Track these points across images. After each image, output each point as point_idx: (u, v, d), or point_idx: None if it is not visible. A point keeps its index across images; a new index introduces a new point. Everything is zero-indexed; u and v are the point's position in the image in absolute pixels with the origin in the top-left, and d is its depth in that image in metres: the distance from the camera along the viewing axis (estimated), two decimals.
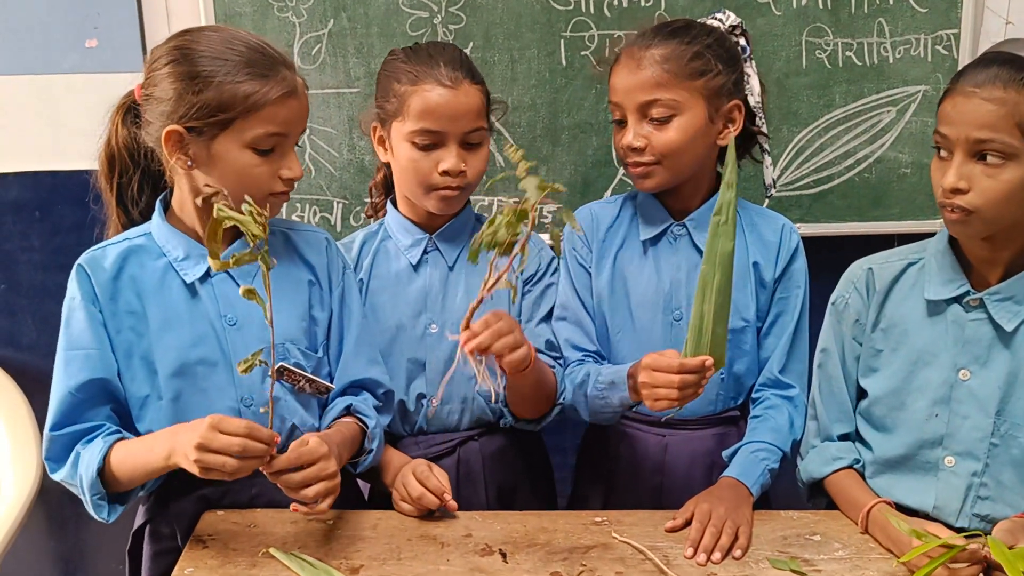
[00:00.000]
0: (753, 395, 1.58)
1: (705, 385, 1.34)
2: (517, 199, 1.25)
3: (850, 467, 1.41)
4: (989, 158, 1.22)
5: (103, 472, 1.27)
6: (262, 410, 1.27)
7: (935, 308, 1.34)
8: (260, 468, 1.21)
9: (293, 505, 1.25)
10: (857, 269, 1.44)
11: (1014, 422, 1.29)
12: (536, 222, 1.21)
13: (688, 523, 1.35)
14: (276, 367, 1.34)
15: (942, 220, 1.33)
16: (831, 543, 1.32)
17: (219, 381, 1.34)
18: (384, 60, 1.56)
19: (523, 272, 1.59)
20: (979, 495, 1.31)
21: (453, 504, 1.37)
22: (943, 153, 1.26)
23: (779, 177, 1.99)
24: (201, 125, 1.27)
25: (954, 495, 1.32)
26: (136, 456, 1.27)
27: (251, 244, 1.15)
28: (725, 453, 1.51)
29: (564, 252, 1.60)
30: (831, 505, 1.43)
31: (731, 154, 1.35)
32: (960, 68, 1.33)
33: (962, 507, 1.32)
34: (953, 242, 1.34)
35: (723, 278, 1.33)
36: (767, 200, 1.97)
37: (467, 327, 1.28)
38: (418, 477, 1.39)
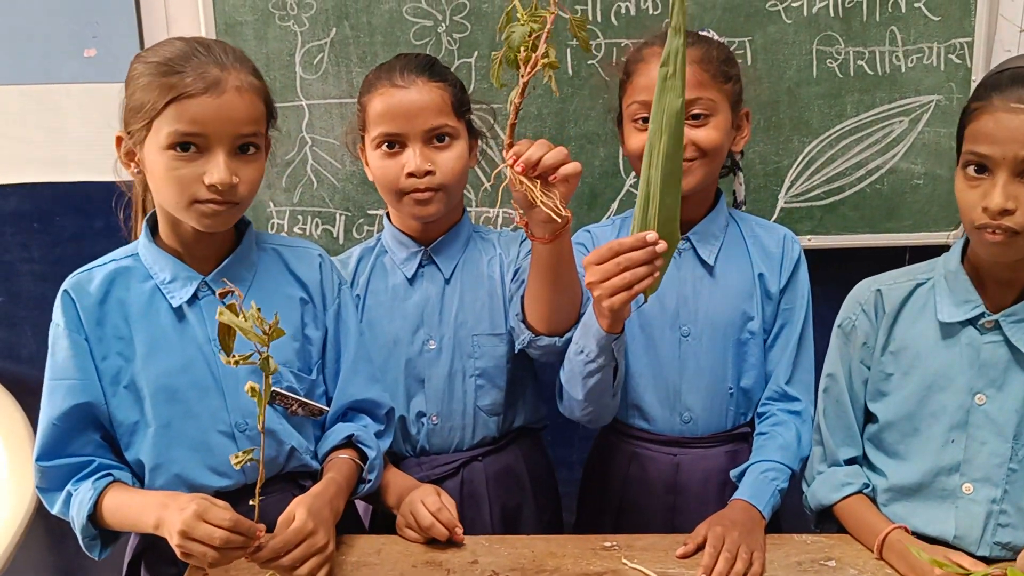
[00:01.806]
0: (759, 409, 1.55)
1: (661, 266, 1.21)
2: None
3: (860, 492, 1.38)
4: None
5: (94, 515, 1.25)
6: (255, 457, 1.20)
7: (948, 331, 1.31)
8: (246, 558, 1.17)
9: None
10: (864, 290, 1.40)
11: None
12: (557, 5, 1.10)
13: (700, 548, 1.32)
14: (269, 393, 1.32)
15: (961, 237, 1.31)
16: (846, 569, 1.29)
17: (211, 406, 1.30)
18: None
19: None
20: (999, 523, 1.28)
21: (461, 536, 1.34)
22: (973, 171, 1.22)
23: (790, 188, 1.96)
24: (135, 128, 1.24)
25: (974, 523, 1.29)
26: (127, 512, 1.24)
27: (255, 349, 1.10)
28: (733, 473, 1.48)
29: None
30: (840, 530, 1.40)
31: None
32: (982, 83, 1.27)
33: (983, 535, 1.28)
34: (965, 262, 1.31)
35: (672, 141, 1.19)
36: (777, 214, 1.96)
37: (510, 148, 1.18)
38: (429, 508, 1.35)
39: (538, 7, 1.11)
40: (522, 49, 1.13)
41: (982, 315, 1.28)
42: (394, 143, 1.46)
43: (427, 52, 1.86)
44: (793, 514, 1.52)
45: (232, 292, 1.09)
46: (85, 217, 2.04)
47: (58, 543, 2.23)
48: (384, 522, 1.45)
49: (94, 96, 1.96)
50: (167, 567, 1.33)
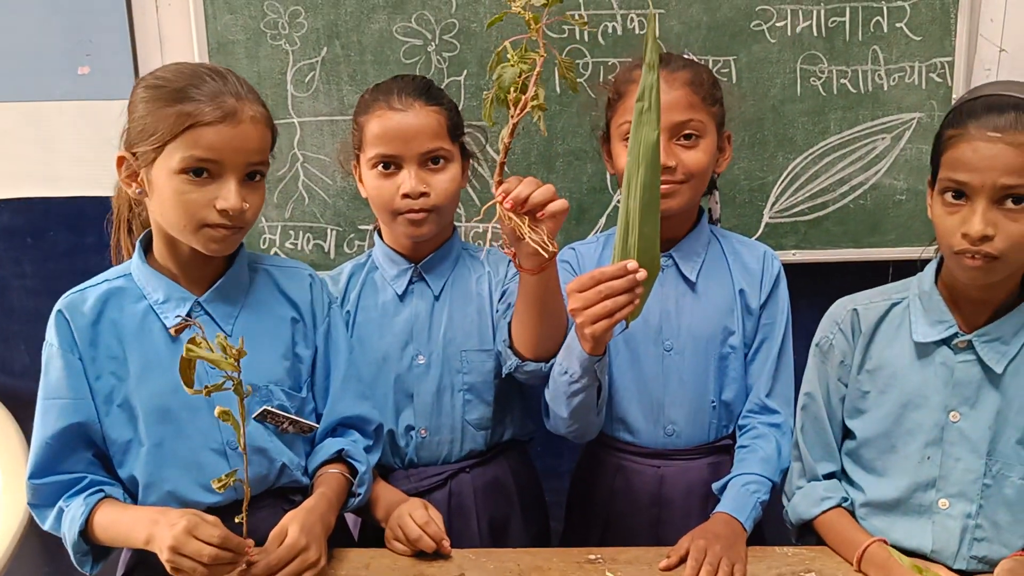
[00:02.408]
0: (740, 422, 1.58)
1: (641, 294, 1.24)
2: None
3: (838, 506, 1.40)
4: (1013, 202, 1.20)
5: (85, 531, 1.27)
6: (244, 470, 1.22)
7: (923, 350, 1.34)
8: (237, 575, 1.19)
9: None
10: (840, 310, 1.42)
11: (1005, 462, 1.28)
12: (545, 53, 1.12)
13: (683, 560, 1.34)
14: (259, 412, 1.34)
15: (935, 256, 1.34)
16: None
17: (202, 426, 1.32)
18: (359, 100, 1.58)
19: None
20: (975, 537, 1.30)
21: (448, 549, 1.37)
22: (951, 197, 1.24)
23: (775, 204, 1.98)
24: (142, 150, 1.26)
25: (950, 538, 1.31)
26: (118, 528, 1.26)
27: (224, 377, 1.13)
28: (715, 486, 1.51)
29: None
30: (820, 543, 1.42)
31: (651, 27, 1.23)
32: (956, 110, 1.29)
33: (959, 549, 1.31)
34: (938, 282, 1.34)
35: (649, 171, 1.23)
36: (762, 229, 1.98)
37: (499, 185, 1.21)
38: (417, 520, 1.37)
39: (527, 49, 1.14)
40: (512, 89, 1.16)
41: (956, 335, 1.31)
42: (390, 164, 1.49)
43: (416, 71, 1.89)
44: (776, 526, 1.54)
45: (191, 326, 1.11)
46: (77, 232, 2.06)
47: (52, 557, 2.24)
48: (374, 534, 1.47)
49: (87, 113, 1.98)
50: None
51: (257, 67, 1.91)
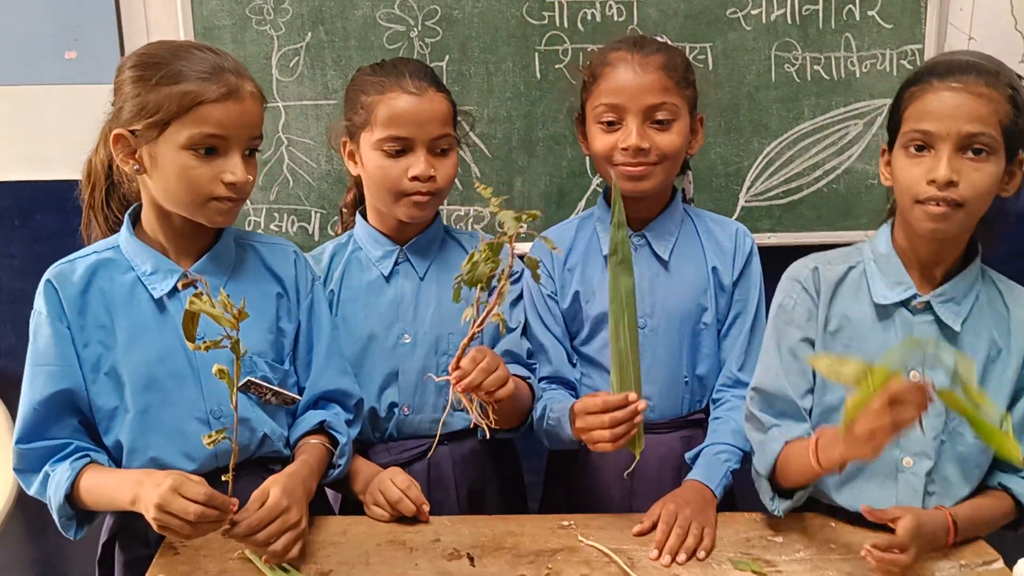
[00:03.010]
0: (714, 396, 1.62)
1: (639, 422, 1.37)
2: (492, 236, 1.30)
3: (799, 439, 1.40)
4: (973, 153, 1.25)
5: (71, 495, 1.29)
6: (232, 440, 1.25)
7: (883, 312, 1.38)
8: (221, 533, 1.22)
9: (264, 557, 1.26)
10: (801, 269, 1.45)
11: (961, 420, 1.31)
12: (513, 256, 1.26)
13: (655, 526, 1.38)
14: (243, 382, 1.37)
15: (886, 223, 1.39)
16: (793, 544, 1.35)
17: (188, 395, 1.35)
18: (352, 77, 1.60)
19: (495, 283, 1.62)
20: (929, 491, 1.35)
21: (427, 515, 1.41)
22: (915, 149, 1.29)
23: (750, 188, 2.03)
24: (143, 127, 1.29)
25: (913, 495, 1.35)
26: (103, 490, 1.29)
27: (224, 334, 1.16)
28: (688, 455, 1.55)
29: (528, 285, 1.64)
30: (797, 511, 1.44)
31: (616, 194, 1.40)
32: (918, 72, 1.33)
33: (922, 505, 1.35)
34: (894, 246, 1.38)
35: (631, 315, 1.40)
36: (738, 213, 2.03)
37: (457, 366, 1.31)
38: (398, 485, 1.41)
39: (497, 246, 1.25)
40: (479, 286, 1.26)
41: (914, 296, 1.36)
42: (400, 147, 1.51)
43: (400, 56, 1.93)
44: (748, 499, 1.57)
45: (198, 281, 1.14)
46: (64, 215, 2.06)
47: (37, 535, 2.27)
48: (353, 510, 1.50)
49: (74, 97, 2.00)
50: (141, 548, 1.38)
51: (243, 52, 1.94)
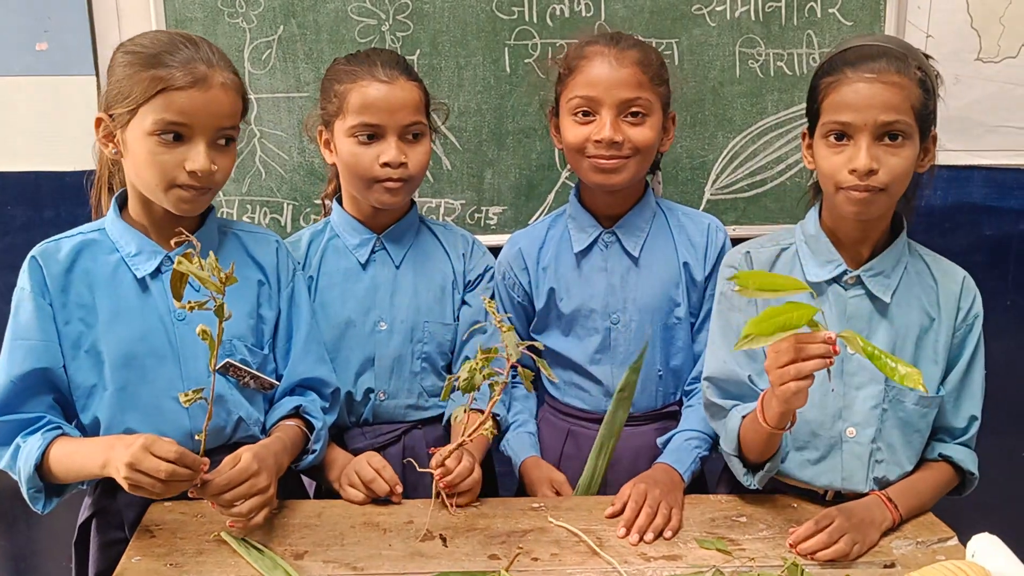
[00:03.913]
0: (686, 387, 1.66)
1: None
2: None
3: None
4: (889, 139, 1.32)
5: (41, 467, 1.30)
6: (207, 403, 1.28)
7: (816, 289, 1.43)
8: (190, 492, 1.24)
9: (229, 521, 1.29)
10: (735, 255, 1.51)
11: (900, 387, 1.37)
12: (508, 381, 1.36)
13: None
14: (222, 364, 1.39)
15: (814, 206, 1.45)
16: (756, 524, 1.39)
17: (167, 374, 1.37)
18: (328, 68, 1.63)
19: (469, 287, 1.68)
20: (876, 459, 1.41)
21: (400, 496, 1.43)
22: (834, 139, 1.34)
23: (715, 181, 2.07)
24: (119, 111, 1.32)
25: (859, 464, 1.41)
26: (73, 458, 1.30)
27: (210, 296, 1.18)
28: (660, 440, 1.59)
29: (497, 286, 1.69)
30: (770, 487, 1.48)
31: (644, 351, 1.51)
32: (829, 61, 1.39)
33: (867, 474, 1.41)
34: (821, 225, 1.44)
35: (615, 442, 1.53)
36: (703, 205, 2.07)
37: (442, 464, 1.37)
38: (374, 465, 1.44)
39: (492, 356, 1.31)
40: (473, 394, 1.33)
41: (845, 272, 1.41)
42: (372, 133, 1.53)
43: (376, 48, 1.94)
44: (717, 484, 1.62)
45: (189, 241, 1.16)
46: (35, 207, 2.08)
47: (9, 527, 2.26)
48: (328, 498, 1.52)
49: (45, 89, 1.99)
50: (116, 531, 1.39)
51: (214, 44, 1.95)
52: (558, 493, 1.55)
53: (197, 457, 1.22)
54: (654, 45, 1.96)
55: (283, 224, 2.05)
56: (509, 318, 1.66)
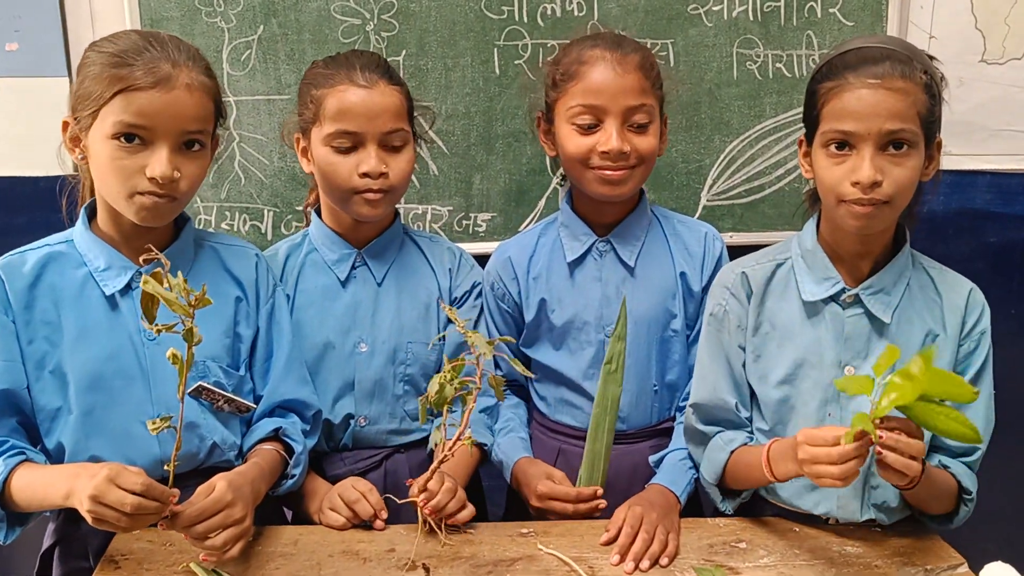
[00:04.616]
0: (681, 403, 1.59)
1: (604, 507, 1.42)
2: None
3: (744, 445, 1.40)
4: (894, 148, 1.24)
5: (2, 495, 1.23)
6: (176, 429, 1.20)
7: (813, 309, 1.36)
8: (159, 525, 1.16)
9: (202, 555, 1.21)
10: (729, 275, 1.44)
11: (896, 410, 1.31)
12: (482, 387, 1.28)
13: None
14: (195, 387, 1.32)
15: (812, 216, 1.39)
16: (757, 550, 1.33)
17: (136, 397, 1.30)
18: (305, 71, 1.55)
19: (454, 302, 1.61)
20: (871, 485, 1.34)
21: (383, 522, 1.36)
22: (835, 148, 1.27)
23: (712, 186, 2.01)
24: (82, 115, 1.25)
25: (855, 491, 1.34)
26: (36, 487, 1.22)
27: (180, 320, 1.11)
28: (652, 459, 1.52)
29: (486, 297, 1.63)
30: (743, 509, 1.43)
31: (623, 311, 1.43)
32: (829, 64, 1.31)
33: (862, 500, 1.34)
34: (819, 239, 1.37)
35: (612, 419, 1.45)
36: (699, 212, 2.00)
37: (424, 488, 1.30)
38: (359, 489, 1.37)
39: (460, 367, 1.27)
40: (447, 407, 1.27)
41: (843, 290, 1.34)
42: (350, 142, 1.45)
43: (355, 49, 1.87)
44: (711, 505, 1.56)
45: (158, 259, 1.09)
46: (7, 212, 2.01)
47: None
48: (306, 524, 1.45)
49: (16, 90, 1.92)
50: (80, 560, 1.32)
51: (192, 44, 1.87)
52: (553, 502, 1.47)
53: (166, 489, 1.15)
54: (648, 46, 1.92)
55: (263, 232, 1.98)
56: (498, 329, 1.60)
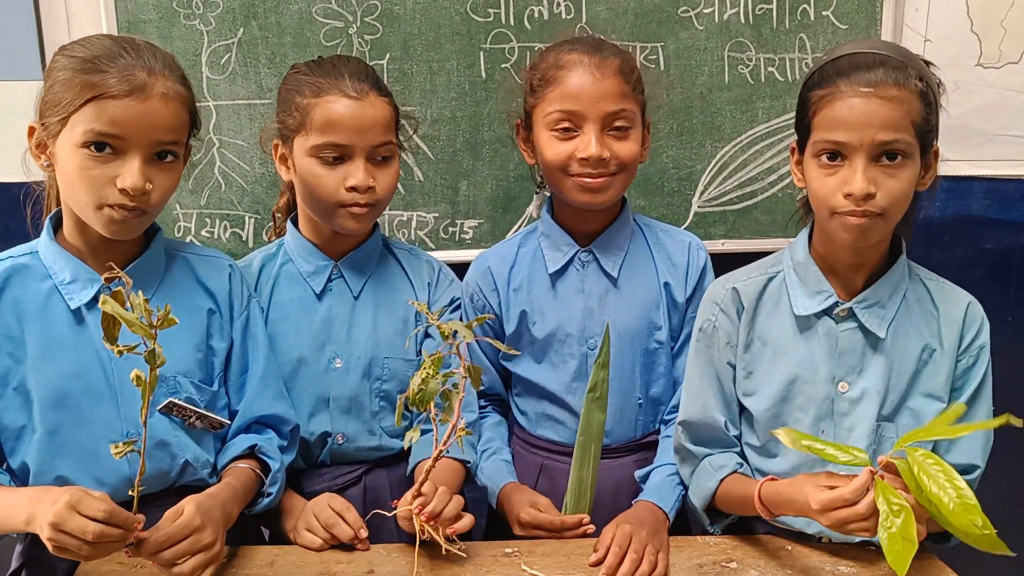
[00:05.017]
0: (666, 417, 1.55)
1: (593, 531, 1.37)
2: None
3: (734, 472, 1.37)
4: (888, 159, 1.20)
5: None
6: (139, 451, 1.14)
7: (805, 323, 1.33)
8: (126, 553, 1.11)
9: None
10: (720, 290, 1.40)
11: (890, 426, 1.29)
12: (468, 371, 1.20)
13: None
14: (165, 404, 1.27)
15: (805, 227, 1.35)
16: (748, 570, 1.29)
17: (104, 414, 1.25)
18: (286, 75, 1.50)
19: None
20: None
21: (367, 542, 1.32)
22: (827, 159, 1.23)
23: (703, 193, 1.96)
24: (50, 121, 1.21)
25: None
26: None
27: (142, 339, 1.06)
28: (638, 474, 1.48)
29: (465, 308, 1.58)
30: (736, 525, 1.39)
31: (605, 337, 1.37)
32: (821, 71, 1.26)
33: None
34: (811, 251, 1.33)
35: (597, 446, 1.39)
36: (691, 218, 1.96)
37: (418, 494, 1.23)
38: (335, 508, 1.32)
39: (439, 360, 1.19)
40: (432, 404, 1.19)
41: (836, 304, 1.30)
42: (338, 155, 1.40)
43: (338, 54, 1.83)
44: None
45: (119, 278, 1.04)
46: None
47: None
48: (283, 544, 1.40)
49: None
50: None
51: (170, 48, 1.82)
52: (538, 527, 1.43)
53: (130, 515, 1.10)
54: (639, 49, 1.88)
55: (244, 239, 1.93)
56: (478, 342, 1.55)
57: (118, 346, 1.05)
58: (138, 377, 1.06)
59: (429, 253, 1.63)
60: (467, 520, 1.27)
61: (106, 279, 1.07)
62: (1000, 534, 1.10)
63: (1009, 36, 1.92)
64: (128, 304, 1.03)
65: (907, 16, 1.91)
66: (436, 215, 1.95)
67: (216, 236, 1.93)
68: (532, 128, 1.50)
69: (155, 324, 1.04)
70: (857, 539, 1.31)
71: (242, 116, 1.88)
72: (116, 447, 1.09)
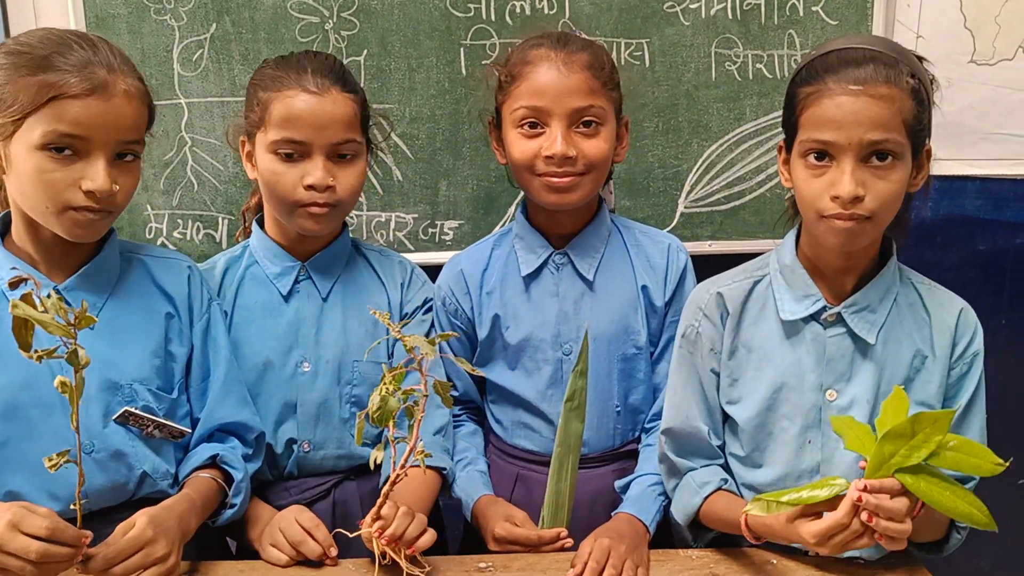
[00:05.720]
0: (647, 425, 1.51)
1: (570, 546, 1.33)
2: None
3: (719, 489, 1.32)
4: (878, 159, 1.15)
5: None
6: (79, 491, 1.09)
7: (792, 328, 1.28)
8: (76, 569, 1.06)
9: None
10: (703, 294, 1.35)
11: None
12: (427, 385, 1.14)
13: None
14: (120, 413, 1.22)
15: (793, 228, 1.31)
16: None
17: (55, 426, 1.20)
18: (255, 71, 1.45)
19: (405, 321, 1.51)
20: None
21: (335, 558, 1.26)
22: (814, 159, 1.18)
23: (690, 193, 1.92)
24: (1, 122, 1.15)
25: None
26: None
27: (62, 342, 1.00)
28: (618, 484, 1.44)
29: (437, 313, 1.53)
30: (720, 539, 1.35)
31: (584, 344, 1.34)
32: (810, 67, 1.21)
33: None
34: (799, 254, 1.28)
35: (575, 458, 1.35)
36: (677, 219, 1.91)
37: (377, 516, 1.18)
38: (303, 524, 1.26)
39: (401, 376, 1.14)
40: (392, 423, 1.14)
41: (824, 309, 1.25)
42: (295, 151, 1.36)
43: (312, 50, 1.78)
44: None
45: (27, 281, 0.99)
46: None
47: None
48: (250, 557, 1.34)
49: None
50: None
51: (140, 43, 1.78)
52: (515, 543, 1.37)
53: (77, 531, 1.05)
54: (623, 46, 1.83)
55: (218, 240, 1.88)
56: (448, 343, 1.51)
57: (36, 351, 0.99)
58: (63, 383, 1.01)
59: (407, 255, 1.58)
60: (427, 538, 1.22)
61: (11, 283, 1.01)
62: (994, 538, 1.07)
63: (1003, 32, 1.88)
64: (41, 306, 0.97)
65: (899, 11, 1.87)
66: (415, 216, 1.90)
67: (189, 238, 1.87)
68: (502, 126, 1.45)
69: (72, 323, 0.98)
70: (846, 554, 1.26)
71: (215, 114, 1.83)
72: (50, 459, 1.03)
